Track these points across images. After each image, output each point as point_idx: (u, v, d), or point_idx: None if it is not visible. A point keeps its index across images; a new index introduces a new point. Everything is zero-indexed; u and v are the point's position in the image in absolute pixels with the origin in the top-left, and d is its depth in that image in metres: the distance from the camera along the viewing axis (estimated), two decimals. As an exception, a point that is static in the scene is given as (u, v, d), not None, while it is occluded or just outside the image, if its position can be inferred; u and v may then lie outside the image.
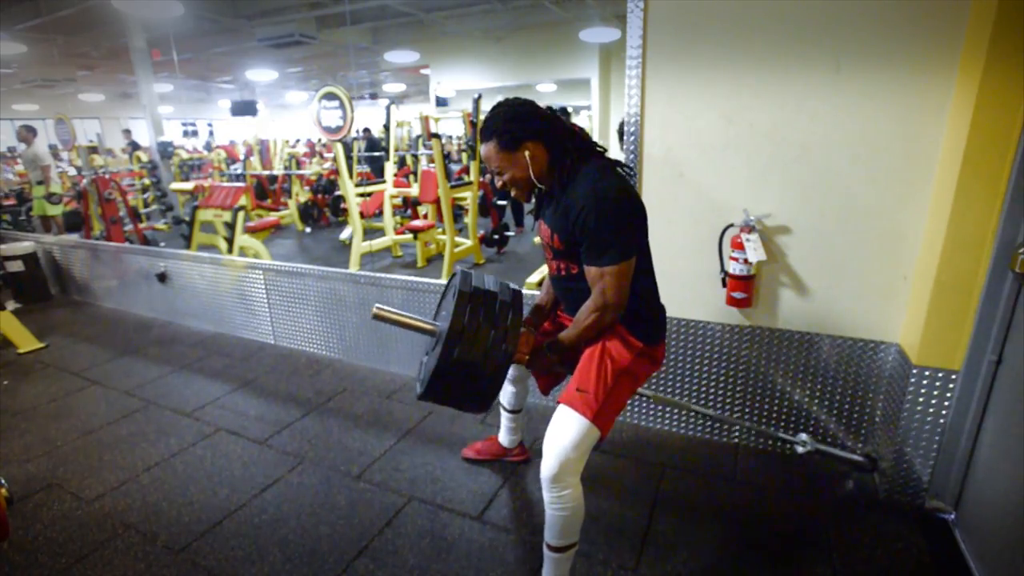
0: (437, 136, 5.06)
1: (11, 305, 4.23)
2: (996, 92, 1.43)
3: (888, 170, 1.74)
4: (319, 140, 11.45)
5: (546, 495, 1.39)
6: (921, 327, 1.68)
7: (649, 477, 2.05)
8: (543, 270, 4.21)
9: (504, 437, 2.11)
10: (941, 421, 1.71)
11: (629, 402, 2.33)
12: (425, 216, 5.70)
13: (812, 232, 1.90)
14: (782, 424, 2.13)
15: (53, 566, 1.71)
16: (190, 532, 1.84)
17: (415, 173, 7.33)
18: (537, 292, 1.91)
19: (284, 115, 17.92)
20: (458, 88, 10.10)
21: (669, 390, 2.27)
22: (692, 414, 2.28)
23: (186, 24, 7.05)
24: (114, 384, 2.97)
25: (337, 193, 7.48)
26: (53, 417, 2.64)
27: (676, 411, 2.30)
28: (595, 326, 1.41)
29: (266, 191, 8.51)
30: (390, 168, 6.24)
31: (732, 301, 2.00)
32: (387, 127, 6.58)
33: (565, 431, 1.36)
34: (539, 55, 9.18)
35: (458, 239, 5.05)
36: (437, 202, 5.03)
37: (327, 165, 8.39)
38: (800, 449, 1.95)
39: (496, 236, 5.70)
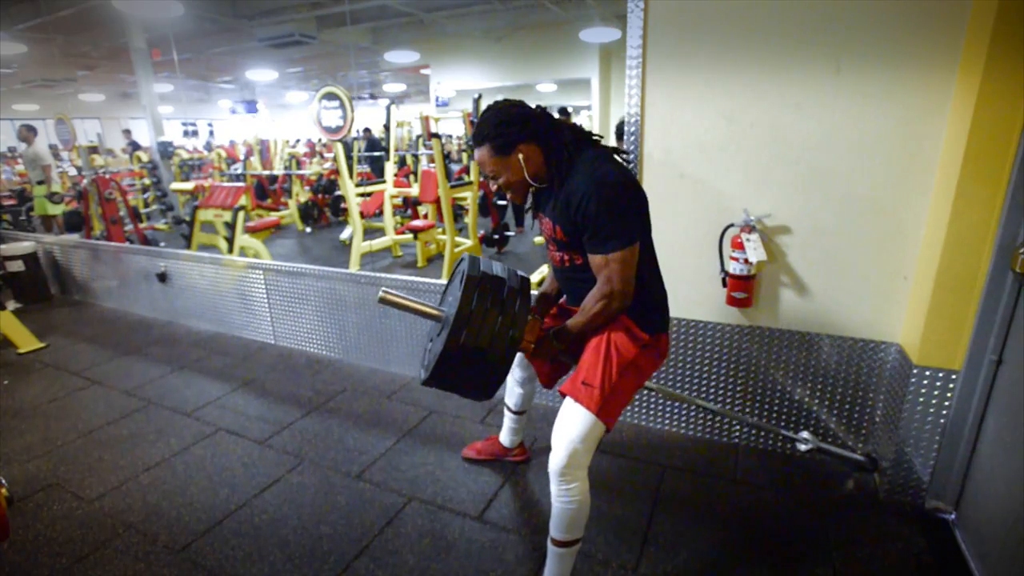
0: (437, 136, 5.07)
1: (11, 305, 4.23)
2: (997, 92, 1.43)
3: (888, 170, 1.74)
4: (319, 140, 11.46)
5: (553, 488, 1.40)
6: (921, 327, 1.68)
7: (649, 477, 2.05)
8: (543, 270, 4.21)
9: (505, 437, 2.11)
10: (942, 421, 1.71)
11: (630, 401, 2.32)
12: (425, 216, 5.70)
13: (812, 232, 1.90)
14: (783, 424, 2.13)
15: (53, 566, 1.71)
16: (190, 532, 1.84)
17: (415, 173, 7.33)
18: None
19: (284, 115, 17.92)
20: (458, 88, 10.11)
21: (670, 389, 2.27)
22: (693, 414, 2.27)
23: (186, 24, 7.05)
24: (114, 384, 2.97)
25: (337, 193, 7.48)
26: (53, 417, 2.64)
27: (676, 411, 2.30)
28: (603, 314, 1.41)
29: (266, 191, 8.51)
30: (390, 168, 6.24)
31: (732, 301, 2.00)
32: (387, 127, 6.59)
33: (572, 425, 1.37)
34: (539, 55, 9.18)
35: (458, 239, 5.05)
36: (437, 202, 5.02)
37: (327, 165, 8.39)
38: (802, 447, 1.95)
39: (496, 236, 5.71)
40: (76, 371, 3.16)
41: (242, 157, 9.64)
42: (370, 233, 6.03)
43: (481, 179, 5.46)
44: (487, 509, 1.91)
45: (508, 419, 2.06)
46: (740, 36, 1.80)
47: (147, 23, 7.33)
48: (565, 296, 1.70)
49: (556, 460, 1.37)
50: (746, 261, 1.90)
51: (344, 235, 6.34)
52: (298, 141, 12.64)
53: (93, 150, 8.41)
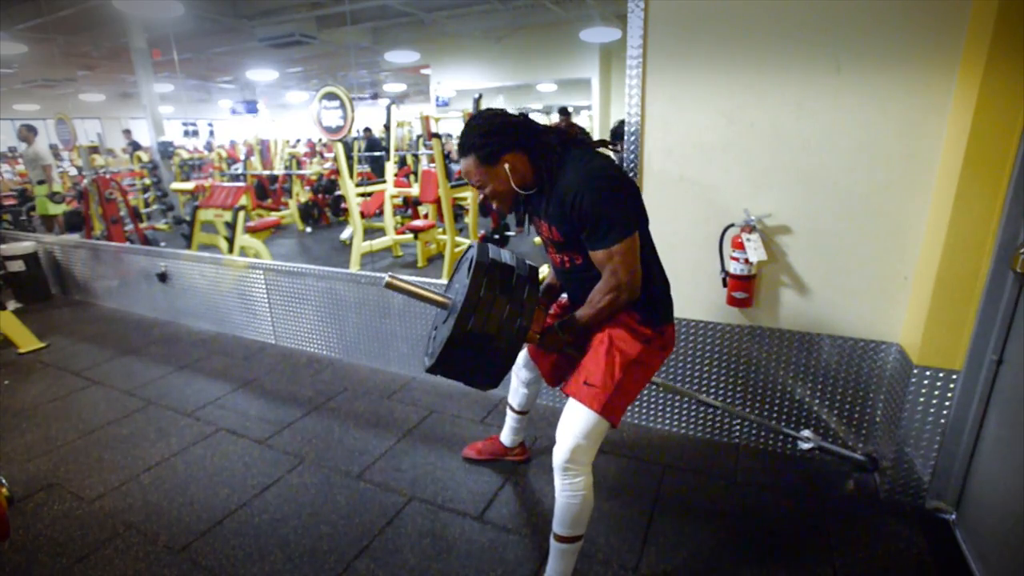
0: (437, 136, 5.07)
1: (12, 305, 4.24)
2: (997, 92, 1.43)
3: (889, 170, 1.74)
4: (319, 140, 11.46)
5: (557, 482, 1.41)
6: (922, 327, 1.68)
7: (649, 477, 2.05)
8: (543, 270, 4.20)
9: (506, 436, 2.11)
10: (942, 421, 1.71)
11: (636, 398, 2.32)
12: (426, 216, 5.70)
13: (813, 232, 1.90)
14: (783, 425, 2.13)
15: (54, 566, 1.71)
16: (191, 532, 1.84)
17: (415, 173, 7.33)
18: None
19: (285, 115, 17.93)
20: (458, 88, 10.11)
21: (675, 384, 2.27)
22: (693, 414, 2.27)
23: (186, 24, 7.06)
24: (115, 384, 2.97)
25: (337, 193, 7.48)
26: (54, 417, 2.64)
27: (677, 411, 2.30)
28: (611, 306, 1.40)
29: (267, 191, 8.51)
30: (390, 168, 6.24)
31: (733, 301, 2.00)
32: (387, 127, 6.59)
33: (576, 421, 1.38)
34: (539, 55, 9.19)
35: (459, 239, 5.04)
36: (438, 202, 5.02)
37: (327, 165, 8.39)
38: (804, 445, 1.95)
39: (497, 236, 5.70)
40: (76, 371, 3.16)
41: (242, 157, 9.64)
42: (370, 233, 6.03)
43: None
44: (487, 509, 1.91)
45: (510, 418, 2.06)
46: (740, 36, 1.80)
47: (147, 23, 7.34)
48: (566, 296, 1.70)
49: (560, 454, 1.38)
50: (747, 261, 1.90)
51: (344, 235, 6.34)
52: (298, 141, 12.64)
53: (93, 150, 8.42)
